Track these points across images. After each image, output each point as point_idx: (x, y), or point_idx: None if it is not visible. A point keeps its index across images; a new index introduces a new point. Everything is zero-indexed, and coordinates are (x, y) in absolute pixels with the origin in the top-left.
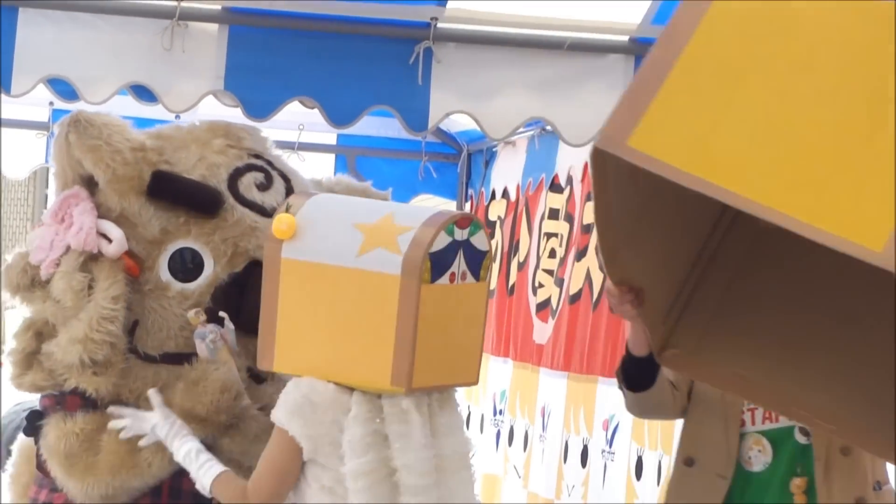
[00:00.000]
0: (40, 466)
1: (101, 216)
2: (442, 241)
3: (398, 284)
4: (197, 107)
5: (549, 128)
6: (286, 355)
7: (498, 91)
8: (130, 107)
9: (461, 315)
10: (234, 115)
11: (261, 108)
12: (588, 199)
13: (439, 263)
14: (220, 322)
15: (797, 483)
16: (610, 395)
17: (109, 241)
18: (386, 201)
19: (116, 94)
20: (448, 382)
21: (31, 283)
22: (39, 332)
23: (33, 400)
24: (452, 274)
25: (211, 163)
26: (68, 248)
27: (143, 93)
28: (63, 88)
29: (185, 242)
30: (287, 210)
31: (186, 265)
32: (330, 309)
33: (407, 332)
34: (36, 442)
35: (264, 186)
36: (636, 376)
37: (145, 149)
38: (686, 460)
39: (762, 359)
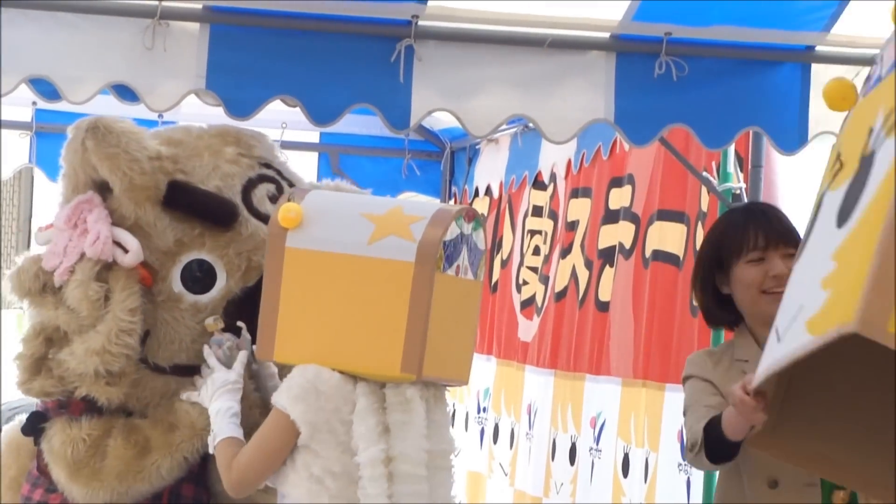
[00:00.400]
0: (41, 468)
1: (114, 223)
2: (453, 231)
3: (412, 271)
4: (179, 106)
5: (531, 125)
6: (287, 345)
7: (479, 89)
8: (112, 106)
9: (460, 310)
10: (217, 114)
11: (243, 107)
12: (573, 195)
13: (449, 254)
14: (237, 332)
15: (840, 495)
16: (597, 392)
17: (125, 250)
18: (384, 198)
19: (98, 93)
20: (448, 377)
21: (43, 288)
22: (49, 338)
23: (22, 398)
24: (458, 267)
25: (225, 173)
26: (82, 255)
27: (125, 92)
28: (45, 88)
29: (200, 254)
30: (291, 200)
31: (196, 275)
32: (337, 297)
33: (419, 318)
34: (36, 443)
35: (276, 198)
36: (723, 453)
37: (161, 157)
38: (770, 483)
39: (840, 434)
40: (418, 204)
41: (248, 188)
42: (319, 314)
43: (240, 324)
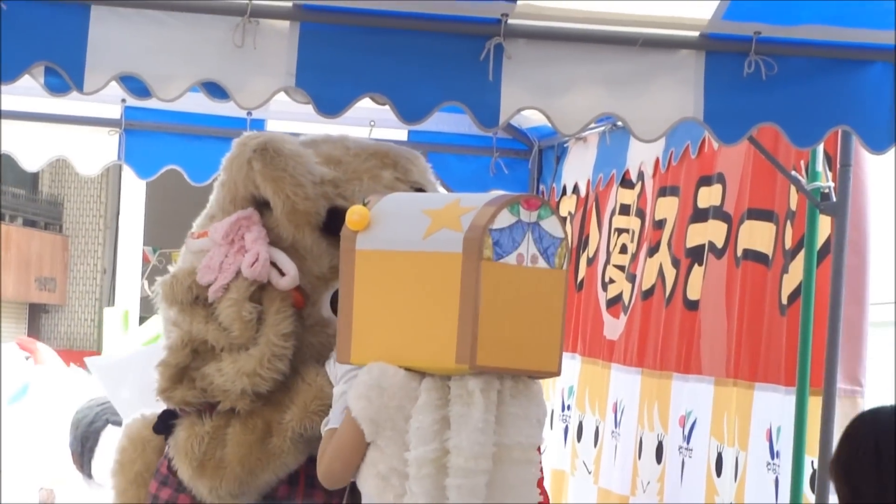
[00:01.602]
0: (171, 468)
1: (270, 242)
2: (505, 219)
3: (460, 262)
4: (268, 104)
5: (619, 123)
6: (363, 347)
7: (569, 87)
8: (202, 104)
9: (534, 299)
10: (306, 111)
11: (332, 105)
12: (661, 194)
13: (503, 242)
14: None
15: None
16: (685, 391)
17: (281, 272)
18: (453, 194)
19: (188, 91)
20: (520, 367)
21: (195, 300)
22: (196, 351)
23: (101, 398)
24: (520, 255)
25: None
26: (238, 273)
27: (215, 90)
28: (135, 86)
29: None
30: (364, 204)
31: None
32: (399, 294)
33: (469, 307)
34: (167, 440)
35: None
36: None
37: (324, 181)
38: None
39: None
40: (479, 195)
41: None
42: (387, 313)
43: None
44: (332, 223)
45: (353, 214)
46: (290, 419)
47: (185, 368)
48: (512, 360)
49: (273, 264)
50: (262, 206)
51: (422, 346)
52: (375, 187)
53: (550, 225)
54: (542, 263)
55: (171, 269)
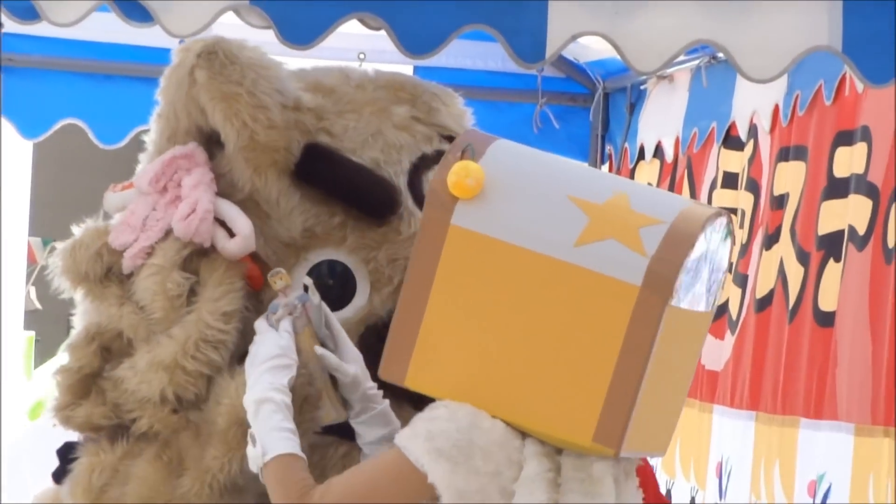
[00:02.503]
0: None
1: (220, 193)
2: (700, 247)
3: (634, 298)
4: (209, 28)
5: (721, 56)
6: (428, 366)
7: (647, 4)
8: (113, 30)
9: (681, 355)
10: (266, 40)
11: (303, 31)
12: (781, 157)
13: (687, 278)
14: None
15: None
16: (817, 443)
17: (231, 233)
18: (600, 171)
19: (93, 10)
20: (647, 450)
21: (106, 274)
22: (107, 348)
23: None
24: (694, 295)
25: (389, 142)
26: (168, 233)
27: (133, 9)
28: (16, 4)
29: (336, 254)
30: (470, 156)
31: (327, 283)
32: (514, 313)
33: (633, 369)
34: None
35: None
36: None
37: (301, 108)
38: None
39: None
40: (652, 195)
41: (419, 168)
42: (483, 332)
43: (306, 281)
44: (309, 166)
45: (465, 176)
46: (211, 458)
47: (93, 376)
48: (648, 441)
49: (220, 222)
50: (211, 144)
51: (539, 400)
52: (380, 125)
53: (723, 252)
54: (701, 305)
55: None
